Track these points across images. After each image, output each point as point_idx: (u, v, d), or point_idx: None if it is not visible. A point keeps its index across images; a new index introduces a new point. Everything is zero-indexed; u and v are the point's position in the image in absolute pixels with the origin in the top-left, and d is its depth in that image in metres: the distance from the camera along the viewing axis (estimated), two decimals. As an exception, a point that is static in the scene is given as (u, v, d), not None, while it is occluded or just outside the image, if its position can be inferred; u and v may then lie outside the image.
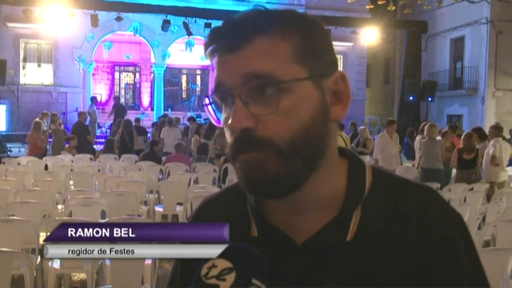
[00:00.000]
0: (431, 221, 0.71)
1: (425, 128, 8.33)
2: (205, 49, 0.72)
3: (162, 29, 16.99)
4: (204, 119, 14.77)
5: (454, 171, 8.39)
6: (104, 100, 21.65)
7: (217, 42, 0.71)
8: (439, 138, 8.65)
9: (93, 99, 16.60)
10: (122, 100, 23.85)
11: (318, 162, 0.70)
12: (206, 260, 0.64)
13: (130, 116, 15.70)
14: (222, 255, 0.64)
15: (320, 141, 0.70)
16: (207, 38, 0.72)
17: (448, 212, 0.74)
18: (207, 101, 0.73)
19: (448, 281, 0.69)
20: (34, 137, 10.37)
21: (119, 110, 14.74)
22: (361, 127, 11.63)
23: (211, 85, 23.93)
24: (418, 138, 9.16)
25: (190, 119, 13.67)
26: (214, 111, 0.73)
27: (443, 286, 0.69)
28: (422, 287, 0.69)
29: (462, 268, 0.70)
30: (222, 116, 0.72)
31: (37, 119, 11.46)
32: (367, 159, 10.51)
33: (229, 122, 0.68)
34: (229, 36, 0.69)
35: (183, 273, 0.82)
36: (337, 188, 0.74)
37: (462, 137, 7.98)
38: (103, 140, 12.40)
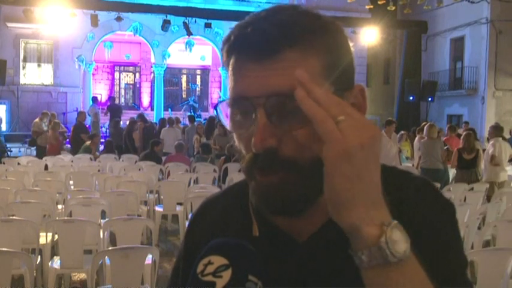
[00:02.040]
0: (423, 213, 0.72)
1: (425, 128, 8.33)
2: (227, 52, 0.69)
3: (162, 29, 17.00)
4: (204, 119, 14.75)
5: (453, 171, 8.40)
6: (104, 100, 21.63)
7: (241, 49, 0.67)
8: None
9: (95, 99, 16.61)
10: (122, 100, 23.89)
11: None
12: (202, 257, 0.64)
13: (130, 115, 15.71)
14: (218, 252, 0.63)
15: None
16: (229, 39, 0.68)
17: (439, 201, 0.75)
18: (220, 107, 0.69)
19: (432, 269, 0.68)
20: (52, 137, 10.47)
21: (114, 110, 14.70)
22: None
23: (210, 85, 23.96)
24: (417, 138, 9.17)
25: (190, 118, 13.68)
26: (225, 112, 0.70)
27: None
28: None
29: (445, 257, 0.71)
30: (232, 121, 0.69)
31: (37, 119, 11.48)
32: None
33: (253, 139, 0.64)
34: (255, 44, 0.65)
35: (187, 268, 0.81)
36: None
37: (462, 136, 7.99)
38: (102, 140, 12.39)
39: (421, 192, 0.75)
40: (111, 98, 18.49)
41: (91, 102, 18.87)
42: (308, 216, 0.72)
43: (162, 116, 18.06)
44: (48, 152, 10.57)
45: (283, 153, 0.65)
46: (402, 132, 10.61)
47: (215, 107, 0.72)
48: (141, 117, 12.56)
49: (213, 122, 11.66)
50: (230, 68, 0.69)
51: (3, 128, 15.52)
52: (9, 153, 10.97)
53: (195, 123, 12.62)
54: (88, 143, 10.28)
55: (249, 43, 0.66)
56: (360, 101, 0.71)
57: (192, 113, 17.93)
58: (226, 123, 0.71)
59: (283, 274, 0.71)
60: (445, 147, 8.55)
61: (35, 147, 11.64)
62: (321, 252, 0.71)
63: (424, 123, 9.56)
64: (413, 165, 9.52)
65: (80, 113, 12.53)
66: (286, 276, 0.71)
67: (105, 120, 16.02)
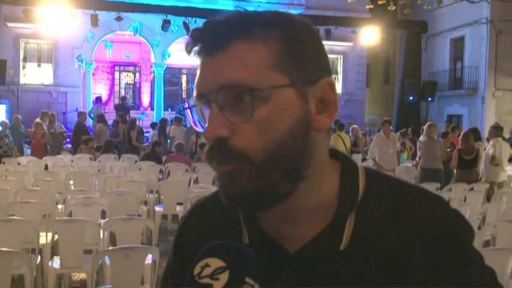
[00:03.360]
0: (432, 225, 0.68)
1: (425, 127, 8.33)
2: (187, 50, 0.69)
3: (162, 29, 17.00)
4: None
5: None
6: (103, 100, 21.62)
7: (197, 44, 0.68)
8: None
9: (99, 99, 16.65)
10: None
11: (301, 173, 0.66)
12: (199, 259, 0.63)
13: (131, 115, 15.71)
14: (215, 254, 0.63)
15: (301, 153, 0.66)
16: (188, 39, 0.69)
17: (450, 215, 0.71)
18: (186, 104, 0.71)
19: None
20: (37, 133, 10.57)
21: (120, 111, 14.79)
22: (353, 126, 11.77)
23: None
24: (420, 138, 9.16)
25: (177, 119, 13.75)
26: (192, 115, 0.70)
27: None
28: None
29: (471, 271, 0.68)
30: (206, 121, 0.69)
31: (37, 119, 11.47)
32: (359, 157, 10.84)
33: (204, 129, 0.66)
34: (207, 38, 0.66)
35: (176, 272, 0.80)
36: (329, 194, 0.70)
37: (460, 137, 7.98)
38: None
39: (417, 202, 0.71)
40: (121, 98, 18.53)
41: (91, 104, 18.92)
42: (300, 221, 0.70)
43: (162, 116, 18.09)
44: (32, 151, 10.63)
45: (233, 144, 0.64)
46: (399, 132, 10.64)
47: (185, 110, 0.72)
48: (101, 117, 12.59)
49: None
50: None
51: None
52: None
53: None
54: (82, 147, 10.28)
55: (202, 40, 0.67)
56: (329, 95, 0.69)
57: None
58: (193, 124, 0.71)
59: (273, 284, 0.68)
60: (448, 149, 8.52)
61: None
62: (312, 264, 0.68)
63: (428, 123, 9.57)
64: (413, 165, 9.52)
65: (80, 113, 12.53)
66: (277, 286, 0.69)
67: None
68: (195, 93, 0.69)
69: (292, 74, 0.65)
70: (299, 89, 0.66)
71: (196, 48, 0.68)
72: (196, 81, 0.69)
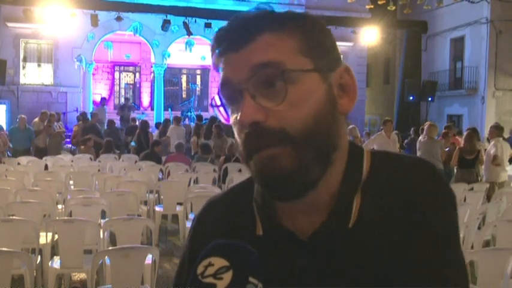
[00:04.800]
0: (425, 207, 0.70)
1: (425, 127, 8.33)
2: (212, 51, 0.72)
3: (162, 29, 17.00)
4: (205, 119, 14.77)
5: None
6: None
7: (223, 43, 0.71)
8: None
9: (104, 100, 16.72)
10: (122, 100, 23.90)
11: (332, 155, 0.70)
12: (202, 259, 0.63)
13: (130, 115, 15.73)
14: (218, 254, 0.63)
15: (332, 132, 0.70)
16: (213, 40, 0.73)
17: (445, 198, 0.72)
18: (218, 101, 0.73)
19: (425, 268, 0.68)
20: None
21: (120, 111, 14.85)
22: (351, 126, 11.79)
23: (210, 84, 23.96)
24: (419, 138, 9.16)
25: (198, 118, 13.81)
26: (226, 111, 0.72)
27: (419, 274, 0.67)
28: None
29: (442, 258, 0.69)
30: (230, 114, 0.72)
31: (36, 119, 11.46)
32: None
33: (239, 116, 0.67)
34: (234, 35, 0.69)
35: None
36: (339, 180, 0.73)
37: (464, 137, 7.97)
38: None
39: (416, 177, 0.72)
40: (126, 99, 18.62)
41: (91, 104, 18.93)
42: (314, 210, 0.72)
43: (162, 116, 18.11)
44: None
45: (271, 125, 0.66)
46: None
47: (217, 107, 0.73)
48: (83, 115, 12.60)
49: (214, 122, 11.70)
50: (220, 66, 0.72)
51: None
52: (9, 153, 10.95)
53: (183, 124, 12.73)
54: (82, 147, 10.28)
55: (229, 37, 0.70)
56: (347, 80, 0.74)
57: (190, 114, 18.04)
58: (224, 119, 0.73)
59: (289, 272, 0.71)
60: (447, 149, 8.53)
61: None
62: (324, 246, 0.71)
63: (427, 123, 9.57)
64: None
65: (93, 114, 12.64)
66: (293, 274, 0.71)
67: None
68: (221, 86, 0.71)
69: (316, 61, 0.70)
70: (323, 74, 0.71)
71: (224, 45, 0.70)
72: (222, 78, 0.71)
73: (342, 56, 0.76)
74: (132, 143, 11.53)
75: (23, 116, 11.07)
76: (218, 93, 0.72)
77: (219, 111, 0.73)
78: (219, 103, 0.73)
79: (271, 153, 0.67)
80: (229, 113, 0.72)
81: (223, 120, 0.73)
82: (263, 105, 0.66)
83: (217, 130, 10.45)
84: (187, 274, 0.81)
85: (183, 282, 0.82)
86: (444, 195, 0.72)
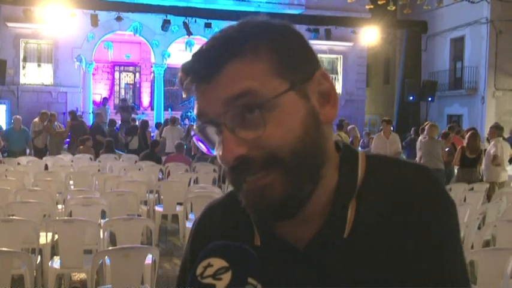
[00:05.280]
0: (422, 210, 0.69)
1: (426, 127, 8.33)
2: (181, 83, 0.70)
3: (162, 29, 17.00)
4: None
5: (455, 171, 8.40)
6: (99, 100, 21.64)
7: (191, 75, 0.68)
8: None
9: (106, 100, 16.74)
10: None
11: (321, 171, 0.69)
12: (201, 259, 0.63)
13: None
14: (217, 254, 0.63)
15: (319, 150, 0.68)
16: (180, 72, 0.70)
17: (442, 200, 0.71)
18: (193, 132, 0.71)
19: (431, 275, 0.67)
20: None
21: (122, 112, 14.90)
22: (350, 126, 11.82)
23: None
24: (420, 138, 9.17)
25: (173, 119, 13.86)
26: (201, 141, 0.70)
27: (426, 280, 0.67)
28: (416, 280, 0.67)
29: (444, 262, 0.68)
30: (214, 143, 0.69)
31: (36, 119, 11.43)
32: None
33: (220, 154, 0.65)
34: (200, 68, 0.67)
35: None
36: (332, 187, 0.71)
37: (467, 136, 7.97)
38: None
39: (412, 182, 0.72)
40: (122, 100, 18.66)
41: (91, 104, 18.92)
42: (310, 219, 0.71)
43: (162, 116, 18.12)
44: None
45: (256, 156, 0.65)
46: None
47: (193, 137, 0.72)
48: (72, 114, 12.64)
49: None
50: (193, 94, 0.70)
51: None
52: (4, 153, 10.89)
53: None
54: (81, 147, 10.28)
55: (195, 68, 0.68)
56: (326, 86, 0.70)
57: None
58: (204, 150, 0.71)
59: (287, 283, 0.70)
60: (447, 149, 8.54)
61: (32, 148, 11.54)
62: (320, 255, 0.70)
63: (426, 123, 9.57)
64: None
65: (97, 114, 12.64)
66: (289, 285, 0.70)
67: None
68: (198, 119, 0.69)
69: (289, 77, 0.66)
70: (299, 89, 0.67)
71: (189, 80, 0.69)
72: (197, 108, 0.69)
73: (340, 57, 0.73)
74: None
75: (18, 116, 10.95)
76: (200, 129, 0.69)
77: (198, 144, 0.71)
78: (193, 133, 0.70)
79: (261, 184, 0.65)
80: (209, 142, 0.70)
81: (204, 150, 0.71)
82: (243, 137, 0.64)
83: None
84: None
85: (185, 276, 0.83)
86: (443, 200, 0.71)
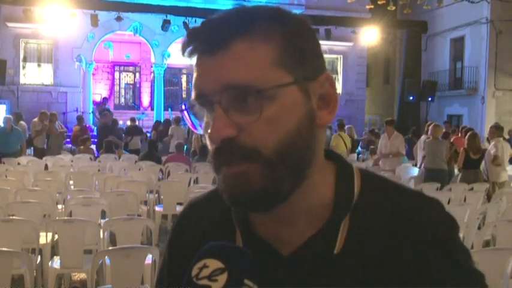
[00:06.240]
0: (425, 227, 0.67)
1: (430, 128, 8.32)
2: (183, 50, 0.67)
3: (162, 29, 17.00)
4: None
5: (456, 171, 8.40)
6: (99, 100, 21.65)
7: (195, 44, 0.66)
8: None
9: (106, 100, 16.75)
10: (122, 100, 23.91)
11: (306, 171, 0.66)
12: (197, 260, 0.63)
13: (130, 115, 15.72)
14: (213, 255, 0.62)
15: (307, 150, 0.66)
16: (185, 38, 0.67)
17: (443, 216, 0.70)
18: (183, 106, 0.69)
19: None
20: None
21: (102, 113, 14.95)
22: (347, 126, 11.86)
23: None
24: (422, 138, 9.17)
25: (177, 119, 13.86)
26: (189, 116, 0.68)
27: None
28: None
29: (459, 272, 0.66)
30: (203, 122, 0.67)
31: (35, 119, 11.39)
32: (354, 157, 11.30)
33: (209, 131, 0.63)
34: (206, 38, 0.64)
35: (171, 274, 0.80)
36: (324, 196, 0.69)
37: (466, 137, 7.97)
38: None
39: (408, 202, 0.70)
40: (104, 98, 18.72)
41: (91, 104, 18.92)
42: (293, 223, 0.69)
43: (162, 116, 18.12)
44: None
45: (243, 143, 0.62)
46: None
47: (182, 111, 0.70)
48: (79, 118, 12.87)
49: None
50: (194, 67, 0.68)
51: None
52: None
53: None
54: (81, 147, 10.28)
55: (201, 39, 0.65)
56: (328, 90, 0.68)
57: None
58: (190, 125, 0.69)
59: (266, 286, 0.66)
60: (453, 148, 8.56)
61: (31, 148, 11.50)
62: (306, 267, 0.68)
63: (429, 123, 9.58)
64: (413, 165, 9.53)
65: (104, 114, 12.68)
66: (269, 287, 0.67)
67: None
68: (194, 94, 0.67)
69: (295, 71, 0.64)
70: (302, 85, 0.65)
71: (193, 47, 0.66)
72: (195, 81, 0.67)
73: (340, 57, 0.71)
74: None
75: (8, 116, 10.36)
76: (190, 99, 0.67)
77: (184, 115, 0.69)
78: (183, 107, 0.69)
79: (240, 170, 0.63)
80: (198, 120, 0.68)
81: (189, 126, 0.70)
82: (236, 120, 0.62)
83: None
84: (168, 277, 0.81)
85: (164, 281, 0.82)
86: (441, 232, 0.68)
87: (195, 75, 0.67)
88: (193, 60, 0.67)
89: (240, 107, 0.62)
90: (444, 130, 9.82)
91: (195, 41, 0.66)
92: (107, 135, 11.05)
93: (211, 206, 0.78)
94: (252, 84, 0.62)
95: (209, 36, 0.64)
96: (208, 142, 0.66)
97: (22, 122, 11.20)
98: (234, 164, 0.63)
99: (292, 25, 0.66)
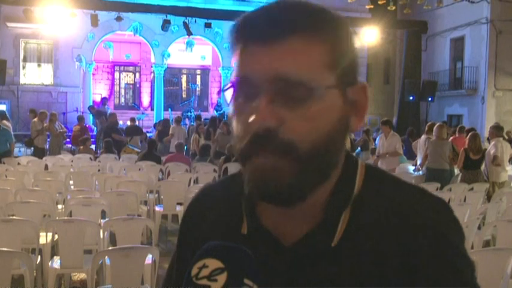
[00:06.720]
0: (426, 224, 0.67)
1: (434, 128, 8.31)
2: (232, 35, 0.68)
3: (162, 29, 17.00)
4: (205, 118, 14.78)
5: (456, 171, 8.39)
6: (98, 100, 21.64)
7: (248, 32, 0.66)
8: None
9: (106, 100, 16.77)
10: (122, 100, 23.91)
11: (331, 172, 0.68)
12: (197, 260, 0.63)
13: (130, 115, 15.73)
14: (213, 255, 0.62)
15: (336, 152, 0.68)
16: (236, 24, 0.68)
17: (447, 219, 0.69)
18: (230, 83, 0.68)
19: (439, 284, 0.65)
20: None
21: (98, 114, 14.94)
22: None
23: (210, 84, 23.95)
24: (422, 138, 9.17)
25: (197, 118, 13.87)
26: (235, 89, 0.68)
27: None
28: None
29: (455, 269, 0.66)
30: (235, 103, 0.67)
31: (35, 119, 11.38)
32: None
33: (252, 118, 0.63)
34: (262, 27, 0.64)
35: (179, 263, 0.82)
36: (329, 190, 0.70)
37: (468, 137, 7.96)
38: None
39: (410, 198, 0.70)
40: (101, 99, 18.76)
41: (91, 104, 18.90)
42: (299, 216, 0.70)
43: (162, 116, 18.11)
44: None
45: (283, 136, 0.63)
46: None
47: (223, 91, 0.71)
48: (80, 119, 12.98)
49: (214, 123, 11.71)
50: (237, 53, 0.67)
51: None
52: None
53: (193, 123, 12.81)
54: (81, 147, 10.28)
55: (256, 26, 0.65)
56: (362, 99, 0.70)
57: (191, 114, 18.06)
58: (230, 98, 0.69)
59: (267, 276, 0.67)
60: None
61: (32, 148, 11.49)
62: (305, 258, 0.69)
63: (429, 123, 9.56)
64: (413, 165, 9.52)
65: (111, 114, 12.69)
66: (270, 278, 0.68)
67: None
68: (240, 81, 0.66)
69: (339, 75, 0.66)
70: (343, 90, 0.67)
71: (246, 32, 0.66)
72: (240, 66, 0.67)
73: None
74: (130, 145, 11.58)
75: None
76: (233, 84, 0.67)
77: (227, 94, 0.68)
78: (229, 85, 0.68)
79: (273, 163, 0.63)
80: (235, 102, 0.67)
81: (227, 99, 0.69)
82: (280, 113, 0.63)
83: (226, 127, 10.43)
84: (176, 263, 0.83)
85: (173, 278, 0.83)
86: (444, 232, 0.67)
87: (239, 60, 0.67)
88: (237, 47, 0.67)
89: (286, 100, 0.63)
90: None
91: (248, 29, 0.66)
92: (111, 135, 11.12)
93: (224, 192, 0.81)
94: (303, 80, 0.63)
95: (266, 26, 0.64)
96: (239, 126, 0.66)
97: (5, 121, 10.69)
98: (267, 155, 0.64)
99: (345, 29, 0.69)
